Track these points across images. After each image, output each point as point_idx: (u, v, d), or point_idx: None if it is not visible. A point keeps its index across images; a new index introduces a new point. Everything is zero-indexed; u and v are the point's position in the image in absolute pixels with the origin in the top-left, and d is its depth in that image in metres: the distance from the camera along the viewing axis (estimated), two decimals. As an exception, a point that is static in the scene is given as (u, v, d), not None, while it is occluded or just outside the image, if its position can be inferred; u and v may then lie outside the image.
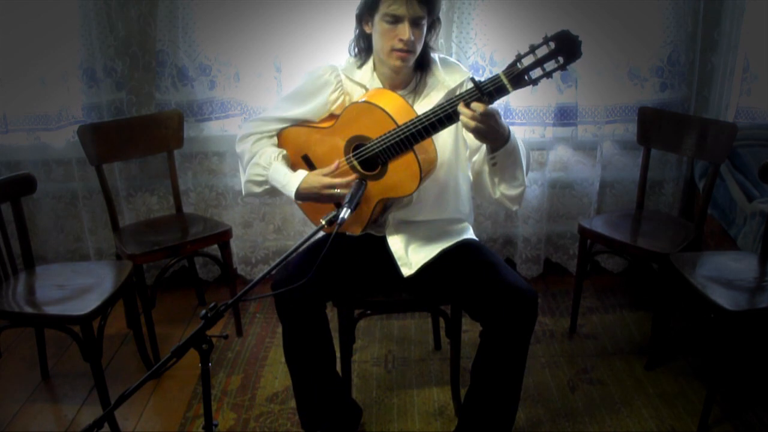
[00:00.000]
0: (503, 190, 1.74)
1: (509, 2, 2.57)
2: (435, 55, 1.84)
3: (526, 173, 1.76)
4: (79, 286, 2.10)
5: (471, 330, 2.53)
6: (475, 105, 1.53)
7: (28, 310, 2.00)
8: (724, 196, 2.60)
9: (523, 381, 1.82)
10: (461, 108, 1.55)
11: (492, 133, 1.58)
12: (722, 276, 2.07)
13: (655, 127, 2.59)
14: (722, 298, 1.92)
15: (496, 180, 1.73)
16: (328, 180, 1.74)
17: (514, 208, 1.79)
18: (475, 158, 1.80)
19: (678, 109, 2.75)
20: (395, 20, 1.66)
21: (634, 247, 2.35)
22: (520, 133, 2.78)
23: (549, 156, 2.85)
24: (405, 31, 1.66)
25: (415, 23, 1.67)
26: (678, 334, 2.56)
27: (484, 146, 1.70)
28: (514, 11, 2.58)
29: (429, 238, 1.87)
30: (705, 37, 2.73)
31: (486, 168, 1.72)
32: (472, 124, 1.54)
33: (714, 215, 2.67)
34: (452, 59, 1.90)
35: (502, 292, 1.70)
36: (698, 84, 2.79)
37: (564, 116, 2.75)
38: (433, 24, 1.76)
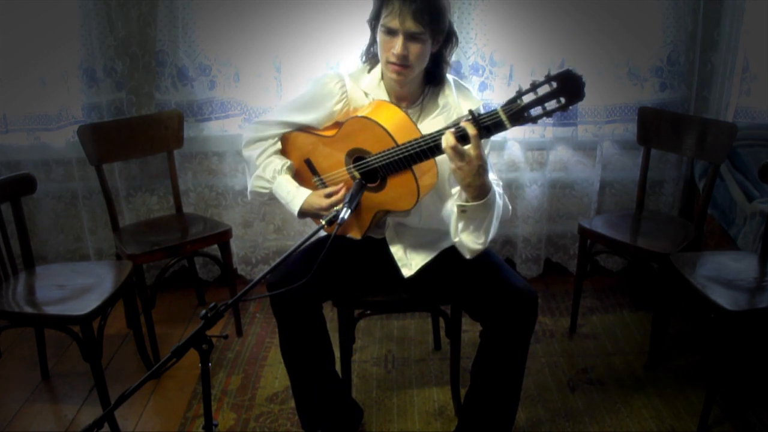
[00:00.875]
0: (463, 239, 1.65)
1: (509, 2, 2.57)
2: (450, 78, 1.79)
3: (491, 236, 1.64)
4: (79, 286, 2.10)
5: (471, 330, 2.53)
6: (465, 124, 1.46)
7: (28, 310, 2.00)
8: (724, 196, 2.60)
9: (523, 381, 1.81)
10: (447, 133, 1.47)
11: (468, 175, 1.49)
12: (722, 276, 2.07)
13: (654, 127, 2.59)
14: (722, 298, 1.92)
15: (461, 226, 1.65)
16: (328, 201, 1.74)
17: (467, 256, 1.70)
18: (454, 190, 1.69)
19: (678, 109, 2.75)
20: (391, 32, 1.63)
21: (634, 247, 2.35)
22: (520, 134, 2.79)
23: (549, 156, 2.85)
24: (397, 45, 1.61)
25: (411, 38, 1.62)
26: (678, 334, 2.56)
27: (458, 195, 1.62)
28: (514, 11, 2.58)
29: (429, 239, 1.87)
30: (705, 37, 2.73)
31: (455, 209, 1.62)
32: (450, 153, 1.47)
33: (714, 215, 2.67)
34: (466, 84, 1.85)
35: (503, 293, 1.70)
36: (698, 84, 2.79)
37: (564, 116, 2.74)
38: (449, 38, 1.71)
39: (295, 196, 1.80)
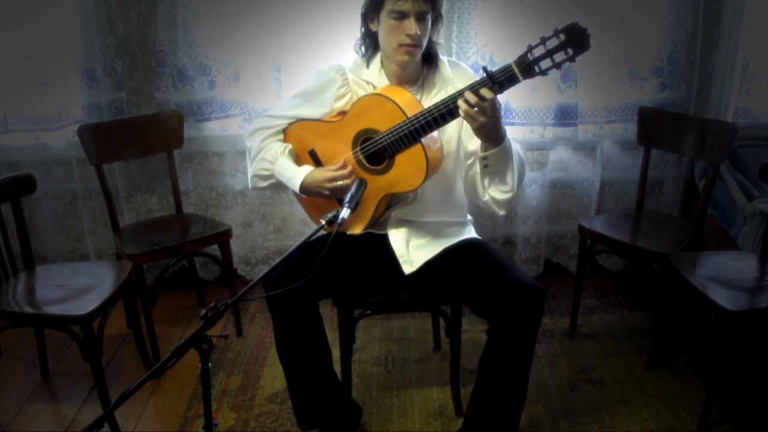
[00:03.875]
0: (492, 193, 1.76)
1: (509, 2, 2.57)
2: (444, 57, 1.86)
3: (519, 181, 1.77)
4: (79, 286, 2.10)
5: (471, 330, 2.53)
6: (484, 91, 1.57)
7: (28, 310, 2.00)
8: (724, 196, 2.60)
9: (529, 378, 1.81)
10: (467, 93, 1.57)
11: (490, 127, 1.61)
12: (722, 276, 2.07)
13: (655, 127, 2.59)
14: (722, 298, 1.92)
15: (486, 182, 1.76)
16: (331, 173, 1.78)
17: (501, 212, 1.80)
18: (469, 161, 1.82)
19: (678, 109, 2.75)
20: (401, 16, 1.69)
21: (634, 247, 2.35)
22: (519, 134, 2.79)
23: (549, 156, 2.85)
24: (411, 26, 1.69)
25: (420, 18, 1.70)
26: (678, 334, 2.56)
27: (479, 150, 1.72)
28: (514, 11, 2.58)
29: (431, 236, 1.88)
30: (705, 37, 2.74)
31: (478, 170, 1.74)
32: (471, 111, 1.57)
33: (714, 215, 2.67)
34: (461, 62, 1.93)
35: (509, 289, 1.71)
36: (698, 84, 2.79)
37: (564, 116, 2.75)
38: (437, 20, 1.79)
39: (297, 170, 1.83)
